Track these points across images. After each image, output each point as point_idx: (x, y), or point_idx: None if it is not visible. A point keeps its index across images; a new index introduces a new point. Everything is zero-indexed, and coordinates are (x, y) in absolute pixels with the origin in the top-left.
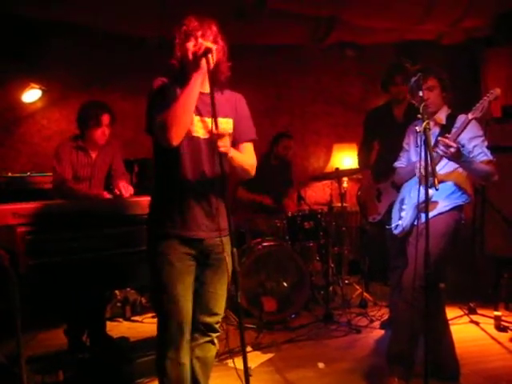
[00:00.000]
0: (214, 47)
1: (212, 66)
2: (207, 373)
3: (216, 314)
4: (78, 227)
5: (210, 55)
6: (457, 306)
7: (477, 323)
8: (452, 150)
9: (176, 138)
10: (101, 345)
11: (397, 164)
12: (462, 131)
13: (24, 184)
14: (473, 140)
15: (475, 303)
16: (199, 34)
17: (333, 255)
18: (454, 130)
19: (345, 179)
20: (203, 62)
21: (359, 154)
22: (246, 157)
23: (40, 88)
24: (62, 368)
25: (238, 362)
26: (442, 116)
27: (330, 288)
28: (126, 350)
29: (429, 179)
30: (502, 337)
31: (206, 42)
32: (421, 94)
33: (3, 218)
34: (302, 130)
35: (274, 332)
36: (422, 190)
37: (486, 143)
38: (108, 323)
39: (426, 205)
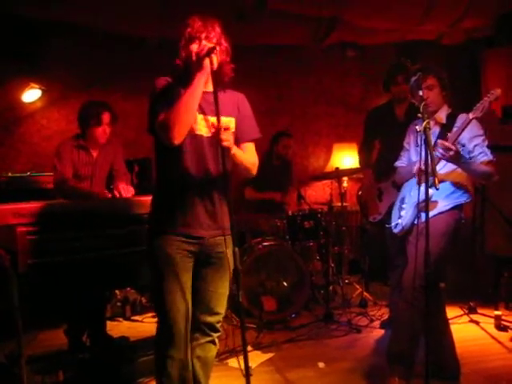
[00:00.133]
0: (217, 47)
1: (215, 66)
2: (208, 373)
3: (217, 314)
4: (79, 227)
5: (213, 55)
6: (457, 305)
7: (477, 323)
8: (451, 153)
9: (178, 136)
10: (101, 345)
11: (397, 163)
12: (463, 131)
13: (25, 184)
14: (473, 139)
15: (475, 302)
16: (203, 35)
17: (333, 255)
18: (454, 130)
19: (345, 179)
20: (206, 61)
21: (360, 153)
22: (248, 155)
23: (40, 88)
24: (62, 368)
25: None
26: (442, 115)
27: (330, 287)
28: (126, 350)
29: (429, 178)
30: (502, 336)
31: (209, 43)
32: (421, 93)
33: (3, 217)
34: (303, 130)
35: (274, 332)
36: (422, 189)
37: (486, 143)
38: (108, 323)
39: (426, 204)
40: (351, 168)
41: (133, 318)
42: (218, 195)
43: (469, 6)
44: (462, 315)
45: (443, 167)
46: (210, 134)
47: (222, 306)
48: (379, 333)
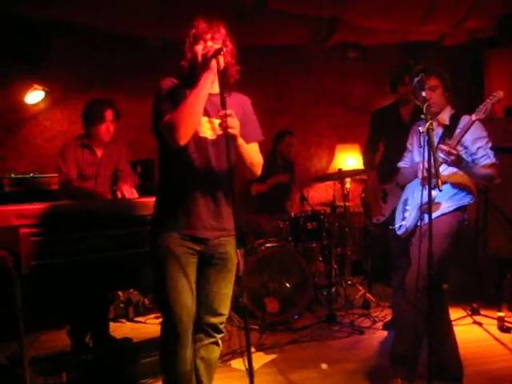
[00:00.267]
0: (224, 48)
1: (222, 66)
2: (211, 374)
3: (220, 315)
4: (82, 228)
5: (219, 56)
6: (460, 306)
7: (480, 324)
8: (452, 157)
9: (184, 137)
10: (104, 346)
11: (400, 164)
12: (466, 133)
13: (31, 185)
14: (477, 141)
15: (478, 304)
16: (208, 36)
17: (336, 256)
18: (457, 131)
19: (347, 180)
20: (213, 62)
21: (364, 155)
22: (254, 153)
23: (43, 89)
24: (65, 369)
25: (241, 363)
26: (445, 116)
27: (333, 289)
28: (129, 351)
29: (432, 180)
30: (505, 337)
31: (215, 45)
32: (424, 94)
33: (7, 218)
34: (304, 130)
35: (276, 333)
36: (425, 190)
37: (490, 145)
38: (111, 324)
39: (429, 206)
40: (354, 169)
41: (136, 319)
42: (221, 196)
43: (471, 6)
44: (464, 316)
45: (446, 169)
46: (214, 137)
47: (225, 307)
48: (382, 334)
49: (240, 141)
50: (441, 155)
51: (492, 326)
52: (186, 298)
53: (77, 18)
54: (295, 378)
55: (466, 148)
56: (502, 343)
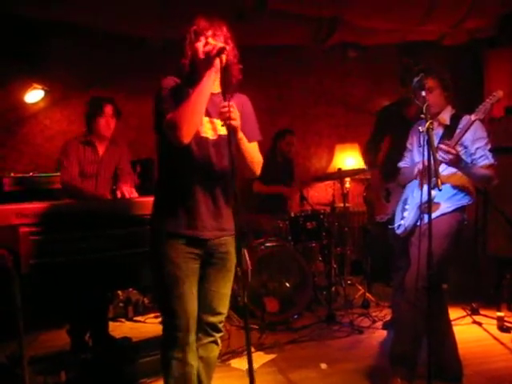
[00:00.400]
0: (227, 47)
1: (224, 65)
2: (210, 373)
3: (219, 314)
4: (82, 228)
5: (223, 55)
6: (459, 306)
7: (479, 324)
8: (451, 156)
9: (187, 135)
10: (103, 345)
11: (401, 164)
12: (465, 132)
13: (30, 184)
14: (476, 142)
15: (478, 304)
16: (209, 33)
17: (335, 256)
18: (457, 131)
19: (347, 179)
20: (217, 61)
21: (366, 154)
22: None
23: (43, 88)
24: (64, 368)
25: (241, 363)
26: (445, 116)
27: (333, 288)
28: (128, 351)
29: (432, 180)
30: (505, 337)
31: (219, 43)
32: (423, 93)
33: (6, 218)
34: (304, 130)
35: (276, 332)
36: (425, 189)
37: (489, 146)
38: (110, 323)
39: (428, 205)
40: (354, 169)
41: (135, 318)
42: (222, 196)
43: (471, 6)
44: (464, 316)
45: (445, 169)
46: (215, 137)
47: (224, 306)
48: (381, 334)
49: (240, 135)
50: (440, 154)
51: (491, 325)
52: (189, 303)
53: (77, 18)
54: (295, 378)
55: (465, 148)
56: (502, 343)
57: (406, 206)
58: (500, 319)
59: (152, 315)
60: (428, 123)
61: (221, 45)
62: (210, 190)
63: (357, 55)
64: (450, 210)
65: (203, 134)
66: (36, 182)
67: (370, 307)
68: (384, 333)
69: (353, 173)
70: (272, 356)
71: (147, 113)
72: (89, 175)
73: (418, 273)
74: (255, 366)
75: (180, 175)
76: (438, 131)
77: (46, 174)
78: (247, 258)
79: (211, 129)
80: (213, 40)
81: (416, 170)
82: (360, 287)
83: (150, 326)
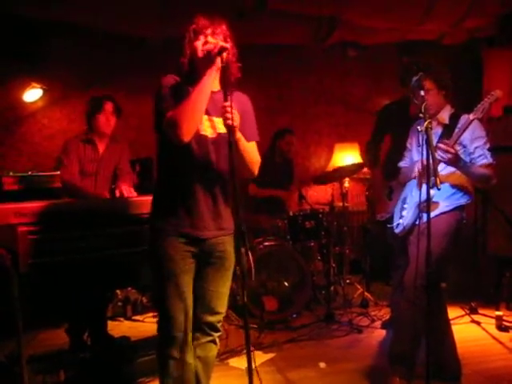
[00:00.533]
0: (228, 45)
1: (224, 63)
2: (208, 373)
3: (218, 313)
4: (80, 227)
5: (224, 54)
6: (458, 305)
7: (478, 323)
8: (449, 155)
9: (187, 134)
10: (102, 344)
11: (401, 164)
12: (464, 132)
13: (29, 183)
14: (475, 141)
15: (477, 303)
16: (209, 31)
17: (334, 255)
18: (456, 131)
19: (346, 179)
20: (218, 59)
21: (367, 151)
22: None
23: (41, 87)
24: (63, 368)
25: (239, 362)
26: (444, 116)
27: (332, 288)
28: (127, 350)
29: (430, 179)
30: (504, 337)
31: (220, 41)
32: (422, 93)
33: (5, 217)
34: (303, 129)
35: (275, 332)
36: (424, 189)
37: (488, 145)
38: (109, 323)
39: (427, 204)
40: (352, 164)
41: (134, 317)
42: (221, 195)
43: (471, 5)
44: (463, 315)
45: (444, 169)
46: (214, 135)
47: (222, 306)
48: (380, 333)
49: (239, 134)
50: (439, 153)
51: (490, 324)
52: (184, 302)
53: (77, 18)
54: (293, 377)
55: (464, 147)
56: (501, 342)
57: (405, 205)
58: (499, 318)
59: (151, 314)
60: (426, 122)
61: (222, 43)
62: (210, 189)
63: (357, 54)
64: (448, 209)
65: (202, 132)
66: (35, 180)
67: (368, 306)
68: (383, 332)
69: (350, 170)
70: (271, 355)
71: (147, 112)
72: (88, 174)
73: (416, 271)
74: (254, 365)
75: (179, 174)
76: (437, 130)
77: (45, 173)
78: (250, 257)
79: (210, 127)
80: (212, 38)
81: (415, 170)
82: (359, 286)
83: (148, 325)
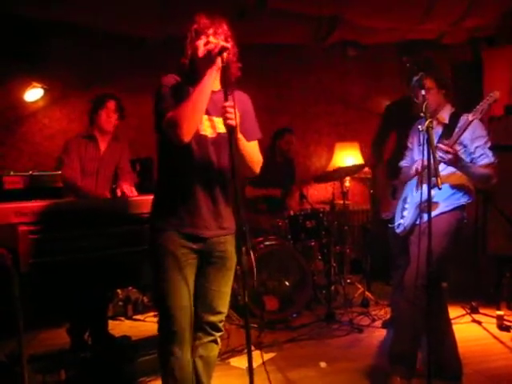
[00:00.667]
0: (229, 45)
1: (225, 63)
2: (210, 372)
3: (220, 313)
4: (81, 226)
5: (225, 53)
6: (459, 305)
7: (479, 322)
8: (449, 156)
9: (187, 134)
10: (103, 344)
11: (402, 163)
12: (463, 132)
13: (30, 182)
14: (475, 141)
15: (477, 302)
16: (210, 31)
17: (335, 254)
18: (456, 131)
19: (347, 178)
20: (218, 59)
21: (372, 149)
22: (253, 151)
23: (42, 87)
24: (63, 367)
25: (240, 361)
26: (444, 115)
27: (332, 287)
28: (127, 349)
29: (431, 178)
30: (505, 336)
31: (221, 41)
32: (423, 92)
33: (5, 216)
34: (303, 129)
35: (275, 331)
36: (425, 189)
37: (489, 144)
38: (110, 322)
39: (428, 204)
40: (353, 165)
41: (135, 317)
42: (221, 195)
43: (471, 5)
44: (463, 315)
45: (445, 169)
46: (214, 135)
47: (224, 306)
48: (381, 332)
49: (239, 134)
50: (439, 153)
51: (491, 324)
52: (184, 298)
53: (77, 18)
54: (294, 377)
55: (465, 147)
56: (501, 342)
57: (406, 205)
58: (499, 318)
59: (151, 314)
60: (427, 122)
61: (223, 43)
62: (210, 189)
63: (357, 54)
64: (448, 209)
65: (202, 132)
66: (36, 180)
67: (369, 306)
68: (383, 331)
69: (351, 170)
70: (271, 355)
71: (147, 112)
72: (89, 172)
73: (417, 271)
74: (254, 364)
75: (179, 174)
76: (438, 130)
77: (46, 172)
78: (252, 256)
79: (210, 127)
80: (214, 39)
81: (414, 169)
82: (359, 286)
83: (149, 324)
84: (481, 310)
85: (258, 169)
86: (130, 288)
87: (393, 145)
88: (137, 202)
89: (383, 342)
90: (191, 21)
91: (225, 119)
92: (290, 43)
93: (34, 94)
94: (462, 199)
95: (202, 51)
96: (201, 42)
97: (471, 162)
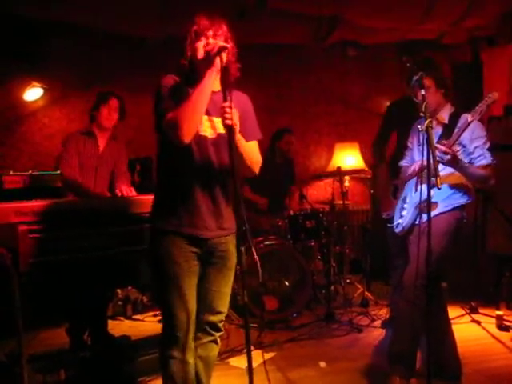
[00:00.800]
0: (228, 45)
1: (224, 63)
2: (209, 372)
3: (220, 313)
4: (81, 226)
5: (223, 53)
6: (458, 305)
7: (478, 322)
8: (448, 156)
9: (187, 135)
10: (102, 343)
11: (402, 163)
12: (463, 132)
13: (30, 182)
14: (474, 141)
15: (477, 302)
16: (210, 33)
17: (334, 254)
18: (456, 131)
19: (346, 178)
20: (217, 60)
21: (373, 148)
22: (253, 151)
23: (42, 86)
24: (63, 367)
25: (240, 361)
26: (444, 115)
27: (332, 287)
28: (127, 349)
29: (431, 178)
30: (504, 336)
31: (220, 42)
32: (423, 92)
33: (5, 216)
34: (303, 129)
35: (275, 331)
36: (424, 188)
37: (487, 145)
38: (109, 322)
39: (428, 203)
40: (353, 168)
41: (134, 317)
42: (221, 195)
43: (471, 4)
44: (463, 315)
45: (444, 169)
46: (214, 136)
47: (224, 306)
48: (380, 332)
49: (238, 135)
50: (437, 154)
51: (491, 324)
52: (187, 303)
53: (77, 18)
54: (294, 376)
55: (464, 147)
56: (501, 341)
57: (405, 205)
58: (499, 318)
59: (151, 313)
60: (427, 122)
61: (221, 43)
62: (210, 189)
63: (356, 54)
64: (448, 209)
65: (202, 133)
66: (35, 179)
67: (368, 306)
68: (383, 331)
69: (352, 172)
70: (271, 354)
71: (147, 112)
72: (88, 170)
73: (416, 271)
74: (254, 364)
75: (179, 174)
76: (437, 130)
77: (46, 172)
78: (254, 253)
79: (210, 127)
80: (213, 40)
81: (412, 170)
82: (359, 286)
83: (148, 324)
84: (480, 310)
85: (257, 169)
86: (130, 288)
87: (393, 144)
88: (137, 202)
89: (383, 341)
90: (191, 22)
91: (223, 119)
92: (290, 43)
93: (33, 93)
94: (462, 199)
95: (201, 54)
96: (200, 44)
97: (470, 162)
